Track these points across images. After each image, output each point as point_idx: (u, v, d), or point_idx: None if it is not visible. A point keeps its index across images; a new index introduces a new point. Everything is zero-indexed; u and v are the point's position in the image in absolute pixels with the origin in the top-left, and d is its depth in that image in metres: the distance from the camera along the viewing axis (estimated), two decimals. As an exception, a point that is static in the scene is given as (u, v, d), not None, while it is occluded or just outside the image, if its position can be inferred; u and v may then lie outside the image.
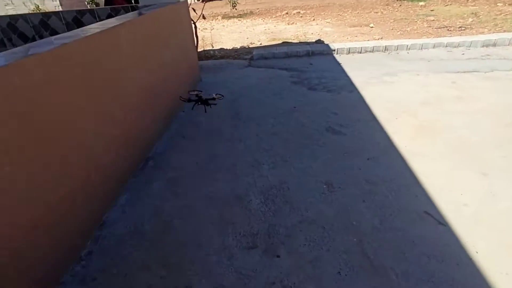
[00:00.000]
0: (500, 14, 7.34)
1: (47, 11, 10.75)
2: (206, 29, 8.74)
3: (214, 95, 3.46)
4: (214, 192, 2.26)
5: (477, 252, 1.66)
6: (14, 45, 3.99)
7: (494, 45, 5.04)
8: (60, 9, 12.98)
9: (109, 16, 3.82)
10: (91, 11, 3.88)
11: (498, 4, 8.43)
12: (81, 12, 3.85)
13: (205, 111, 3.47)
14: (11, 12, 12.92)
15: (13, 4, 13.30)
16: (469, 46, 5.07)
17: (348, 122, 3.07)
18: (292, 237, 1.84)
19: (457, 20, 7.15)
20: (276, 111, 3.42)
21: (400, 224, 1.88)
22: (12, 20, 3.97)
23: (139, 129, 2.67)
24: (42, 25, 3.97)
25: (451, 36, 5.71)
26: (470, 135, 2.72)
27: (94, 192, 2.01)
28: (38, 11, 11.66)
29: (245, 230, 1.90)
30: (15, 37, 4.03)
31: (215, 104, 3.51)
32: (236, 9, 11.47)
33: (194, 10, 5.58)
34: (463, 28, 6.48)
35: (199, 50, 5.87)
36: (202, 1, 8.92)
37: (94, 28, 2.25)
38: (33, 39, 3.98)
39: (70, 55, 1.83)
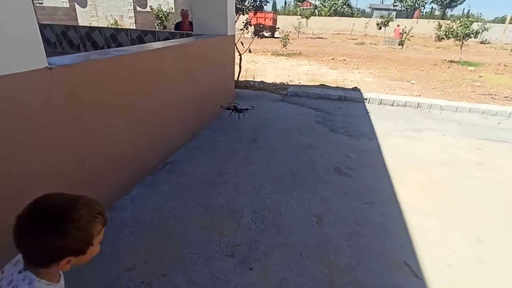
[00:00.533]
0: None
1: (122, 27, 12.32)
2: (253, 61, 9.40)
3: (248, 106, 4.33)
4: (213, 202, 2.48)
5: (442, 310, 1.66)
6: (87, 51, 4.73)
7: (537, 120, 4.86)
8: (135, 27, 14.77)
9: (167, 39, 4.43)
10: (152, 32, 4.53)
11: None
12: (144, 32, 4.52)
13: (239, 117, 4.33)
14: (94, 23, 14.96)
15: (97, 17, 15.42)
16: (508, 117, 4.94)
17: (357, 167, 3.18)
18: (269, 256, 1.97)
19: (505, 90, 6.98)
20: (292, 145, 3.63)
21: (376, 268, 1.93)
22: (90, 30, 4.75)
23: (165, 136, 3.03)
24: (112, 38, 4.70)
25: (492, 104, 5.60)
26: (479, 202, 2.69)
27: (110, 182, 2.33)
28: (116, 26, 13.39)
29: (229, 240, 2.08)
30: (88, 44, 4.80)
31: (247, 112, 4.32)
32: (286, 48, 12.18)
33: (243, 44, 6.15)
34: (509, 99, 6.31)
35: (241, 79, 6.37)
36: (258, 37, 9.69)
37: (147, 46, 2.72)
38: (102, 48, 4.70)
39: (120, 65, 2.25)
